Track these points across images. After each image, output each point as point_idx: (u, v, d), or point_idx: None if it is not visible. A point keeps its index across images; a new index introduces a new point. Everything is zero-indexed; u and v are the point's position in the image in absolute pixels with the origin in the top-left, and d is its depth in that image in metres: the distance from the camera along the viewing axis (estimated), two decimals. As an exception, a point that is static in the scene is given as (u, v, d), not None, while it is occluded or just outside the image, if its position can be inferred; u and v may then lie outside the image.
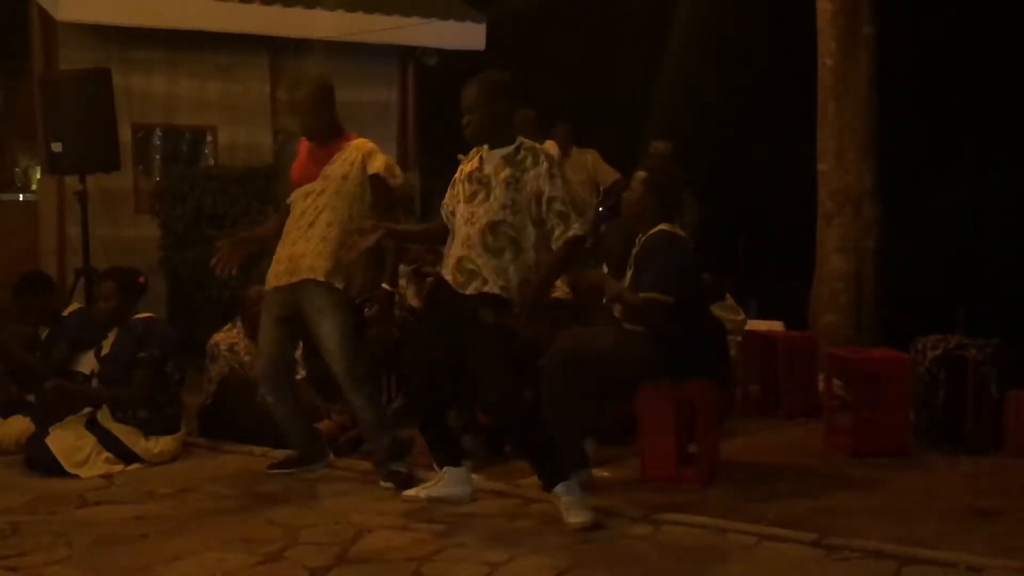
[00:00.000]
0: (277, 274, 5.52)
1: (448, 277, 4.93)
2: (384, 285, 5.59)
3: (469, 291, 4.83)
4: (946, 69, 13.52)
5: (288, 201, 5.59)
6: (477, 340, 4.81)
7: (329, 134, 5.52)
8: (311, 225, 5.44)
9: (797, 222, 9.79)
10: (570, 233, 4.78)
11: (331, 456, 5.85)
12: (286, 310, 5.54)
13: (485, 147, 4.95)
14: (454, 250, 4.91)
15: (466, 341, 4.84)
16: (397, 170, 5.56)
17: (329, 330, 5.40)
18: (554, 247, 4.82)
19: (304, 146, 5.65)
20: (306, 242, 5.43)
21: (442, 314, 4.98)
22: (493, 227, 4.80)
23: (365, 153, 5.48)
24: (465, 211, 4.88)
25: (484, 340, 4.78)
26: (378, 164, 5.46)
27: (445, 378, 5.06)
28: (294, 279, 5.44)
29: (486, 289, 4.79)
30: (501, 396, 4.80)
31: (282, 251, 5.53)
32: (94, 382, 6.18)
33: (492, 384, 4.79)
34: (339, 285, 5.43)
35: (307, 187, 5.49)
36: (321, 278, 5.38)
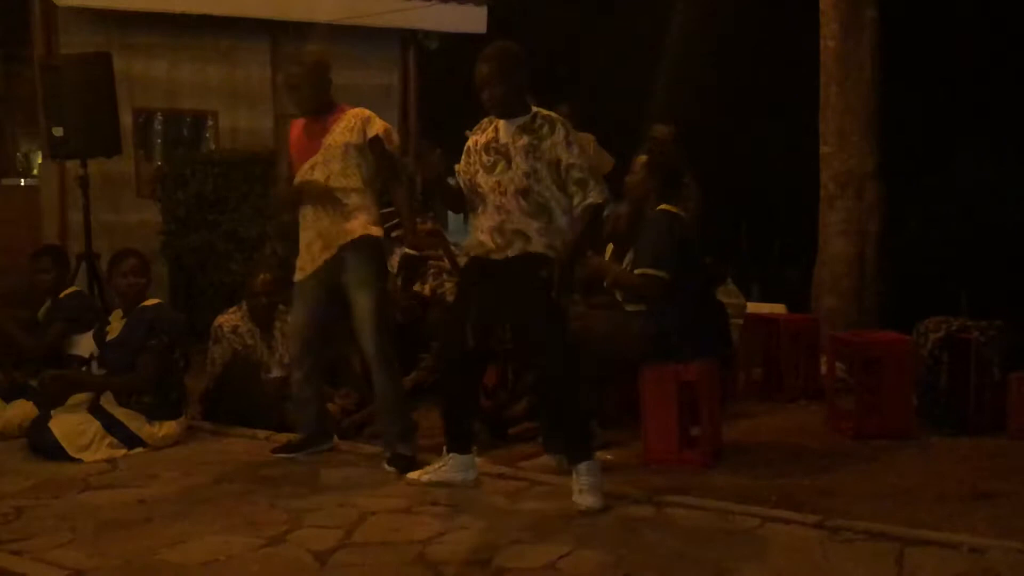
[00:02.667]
0: (312, 257, 5.50)
1: (485, 242, 4.88)
2: (407, 250, 5.58)
3: (512, 252, 4.81)
4: (949, 51, 13.50)
5: (296, 183, 5.56)
6: (529, 309, 4.77)
7: (323, 108, 5.53)
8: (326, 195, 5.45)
9: (800, 205, 9.78)
10: (589, 200, 4.79)
11: (335, 439, 5.86)
12: (324, 293, 5.51)
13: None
14: (486, 219, 4.88)
15: (513, 310, 4.81)
16: (394, 135, 5.56)
17: (366, 302, 5.39)
18: (575, 213, 4.83)
19: (297, 125, 5.66)
20: (329, 214, 5.44)
21: (478, 291, 4.93)
22: (524, 193, 4.80)
23: (364, 119, 5.50)
24: (490, 181, 4.86)
25: (537, 308, 4.75)
26: (377, 127, 5.48)
27: (480, 360, 5.05)
28: (331, 252, 5.43)
29: (531, 248, 4.78)
30: (561, 365, 4.74)
31: (309, 234, 5.52)
32: (93, 365, 6.18)
33: (549, 353, 4.75)
34: (377, 232, 5.45)
35: (309, 161, 5.48)
36: (360, 233, 5.40)
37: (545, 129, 4.84)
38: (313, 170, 5.47)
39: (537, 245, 4.80)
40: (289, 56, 10.85)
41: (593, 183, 4.81)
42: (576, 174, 4.80)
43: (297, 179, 5.54)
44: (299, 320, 5.64)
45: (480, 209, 4.94)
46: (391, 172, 5.59)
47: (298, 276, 5.60)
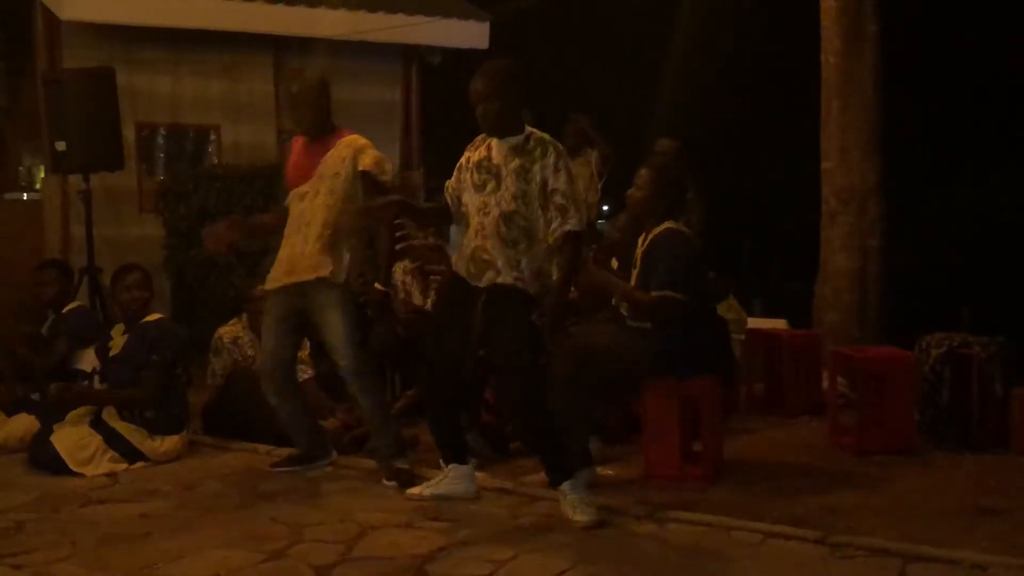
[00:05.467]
0: (277, 276, 5.55)
1: (462, 268, 4.94)
2: (377, 285, 5.56)
3: (483, 283, 4.85)
4: (951, 67, 13.52)
5: (285, 203, 5.61)
6: (497, 333, 4.81)
7: (323, 130, 5.54)
8: (308, 225, 5.46)
9: (801, 221, 9.79)
10: (566, 227, 4.79)
11: (334, 454, 5.85)
12: (287, 310, 5.57)
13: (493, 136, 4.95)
14: (468, 240, 4.92)
15: (483, 333, 4.84)
16: (387, 165, 5.55)
17: (334, 325, 5.42)
18: (550, 239, 4.84)
19: (298, 143, 5.67)
20: (304, 243, 5.46)
21: (457, 308, 4.98)
22: (507, 218, 4.82)
23: (356, 149, 5.50)
24: (477, 200, 4.89)
25: (505, 333, 4.79)
26: (368, 160, 5.47)
27: (461, 374, 5.07)
28: (293, 279, 5.46)
29: (500, 280, 4.81)
30: (522, 389, 4.78)
31: (282, 253, 5.56)
32: (95, 380, 6.17)
33: (513, 377, 4.79)
34: (340, 280, 5.45)
35: (301, 189, 5.52)
36: (324, 275, 5.41)
37: (538, 151, 4.84)
38: (302, 199, 5.50)
39: (505, 277, 4.83)
40: (290, 74, 10.97)
41: (573, 211, 4.81)
42: (558, 200, 4.81)
43: (287, 203, 5.57)
44: (268, 338, 5.62)
45: (463, 228, 4.98)
46: None
47: (267, 285, 5.64)
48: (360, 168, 5.46)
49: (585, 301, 6.20)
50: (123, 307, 6.10)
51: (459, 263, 4.98)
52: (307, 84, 5.52)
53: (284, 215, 5.63)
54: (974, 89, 13.88)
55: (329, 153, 5.50)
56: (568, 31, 14.49)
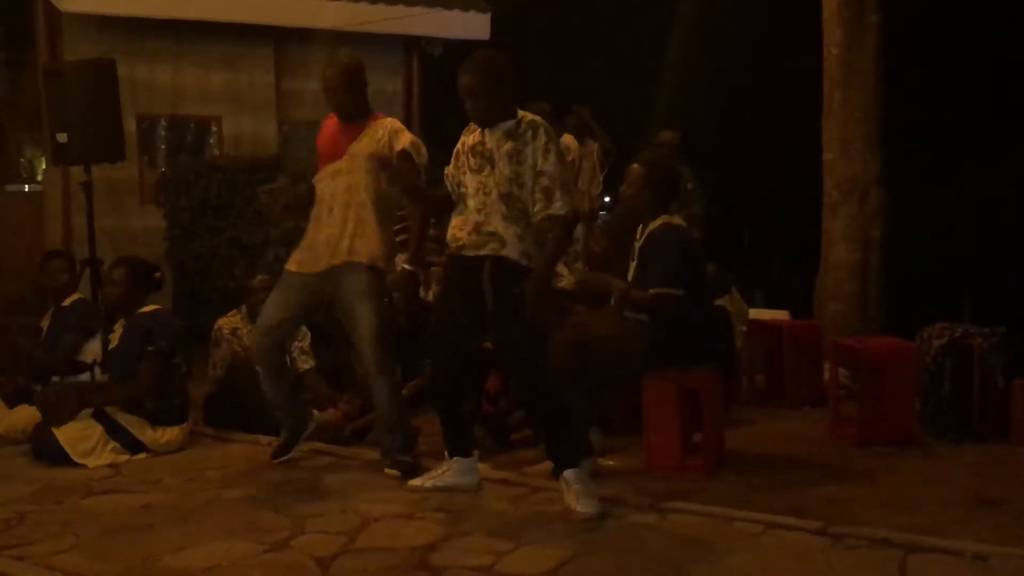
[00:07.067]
0: (315, 259, 5.38)
1: (464, 238, 4.89)
2: (405, 266, 5.47)
3: (484, 251, 4.82)
4: (952, 57, 13.49)
5: (314, 180, 5.46)
6: (505, 313, 4.79)
7: (359, 113, 5.44)
8: (346, 206, 5.35)
9: (803, 212, 9.79)
10: (550, 211, 4.76)
11: (315, 416, 5.83)
12: (311, 296, 5.44)
13: None
14: (469, 216, 4.90)
15: (487, 309, 4.82)
16: (423, 149, 5.39)
17: (367, 315, 5.30)
18: (534, 220, 4.80)
19: (332, 119, 5.52)
20: (342, 224, 5.34)
21: (460, 290, 4.96)
22: (506, 197, 4.81)
23: (392, 131, 5.39)
24: (474, 181, 4.88)
25: (508, 315, 4.77)
26: (405, 140, 5.33)
27: (465, 361, 5.06)
28: (335, 261, 5.33)
29: (504, 252, 4.79)
30: (533, 374, 4.76)
31: (316, 235, 5.41)
32: (96, 371, 6.16)
33: (517, 350, 4.78)
34: (383, 266, 5.38)
35: (333, 166, 5.38)
36: (364, 261, 5.32)
37: (529, 134, 4.82)
38: (335, 177, 5.37)
39: (512, 251, 4.81)
40: (296, 67, 10.96)
41: (559, 194, 4.77)
42: (544, 182, 4.78)
43: (316, 179, 5.43)
44: (271, 311, 5.46)
45: (461, 208, 4.95)
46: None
47: (291, 266, 5.47)
48: (397, 148, 5.30)
49: (586, 299, 6.20)
50: (103, 300, 6.13)
51: (460, 234, 4.91)
52: (343, 67, 5.36)
53: (310, 193, 5.46)
54: (977, 80, 13.86)
55: (365, 132, 5.38)
56: (569, 21, 14.49)
